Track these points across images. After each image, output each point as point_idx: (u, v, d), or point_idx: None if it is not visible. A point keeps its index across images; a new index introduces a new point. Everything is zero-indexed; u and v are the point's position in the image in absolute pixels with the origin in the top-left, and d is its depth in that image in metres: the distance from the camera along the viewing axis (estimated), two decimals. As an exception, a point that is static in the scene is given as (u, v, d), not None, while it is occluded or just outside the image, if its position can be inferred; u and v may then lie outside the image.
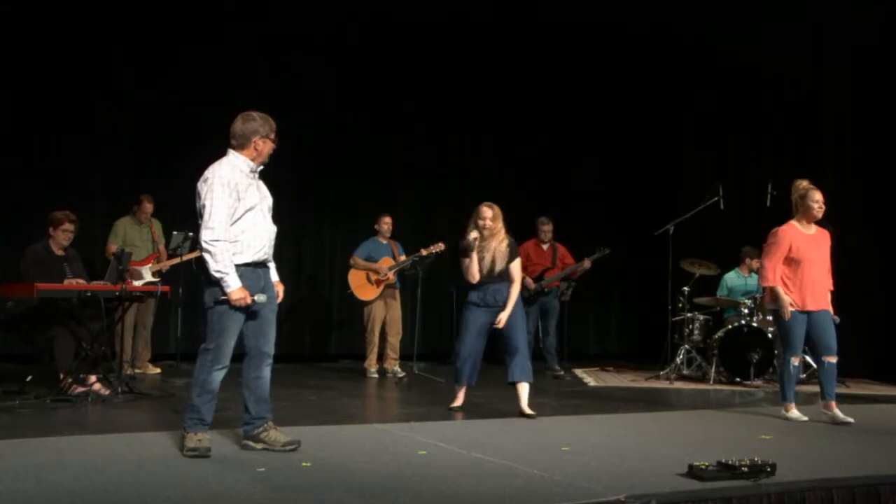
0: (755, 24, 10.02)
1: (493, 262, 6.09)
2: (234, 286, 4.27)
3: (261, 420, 4.48)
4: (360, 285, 8.48)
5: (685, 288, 9.01)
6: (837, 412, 5.89)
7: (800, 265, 5.94)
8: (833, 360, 5.96)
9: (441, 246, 8.27)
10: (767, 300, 6.17)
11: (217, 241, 4.27)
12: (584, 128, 11.28)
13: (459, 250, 6.21)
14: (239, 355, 4.51)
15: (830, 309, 6.07)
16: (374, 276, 8.43)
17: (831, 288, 6.15)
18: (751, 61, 10.32)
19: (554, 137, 11.14)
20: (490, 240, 6.12)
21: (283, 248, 9.94)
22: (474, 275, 6.09)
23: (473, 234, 6.09)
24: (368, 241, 8.65)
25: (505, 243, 6.14)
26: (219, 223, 4.28)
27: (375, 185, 10.18)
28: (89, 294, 6.25)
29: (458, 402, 6.29)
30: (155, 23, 8.96)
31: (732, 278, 9.21)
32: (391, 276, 8.45)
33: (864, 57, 9.48)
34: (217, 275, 4.27)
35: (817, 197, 6.03)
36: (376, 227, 8.66)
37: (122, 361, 7.72)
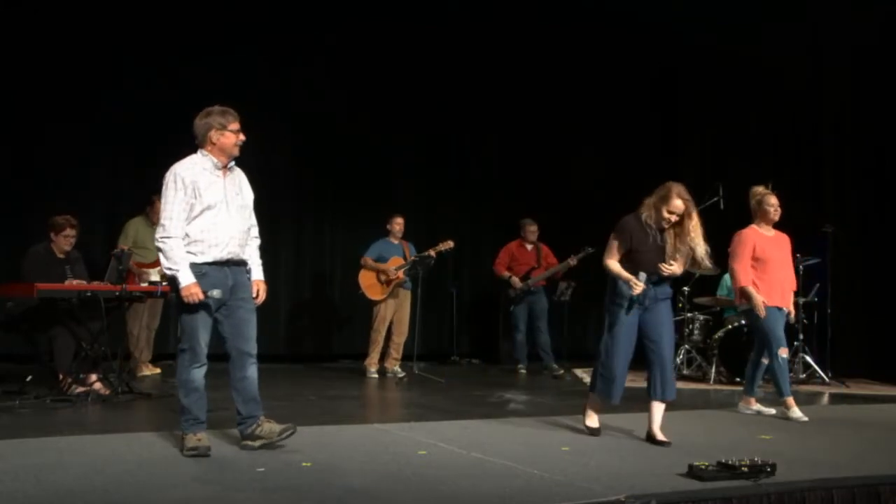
0: (755, 24, 10.01)
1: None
2: (185, 282, 4.25)
3: (252, 419, 4.47)
4: (371, 285, 8.48)
5: (685, 288, 9.02)
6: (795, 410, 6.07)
7: (764, 265, 6.14)
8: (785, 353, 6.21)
9: (450, 244, 8.30)
10: (739, 301, 6.33)
11: (167, 237, 4.28)
12: (585, 128, 11.28)
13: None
14: (223, 356, 4.50)
15: (791, 309, 6.31)
16: (384, 276, 8.43)
17: (794, 288, 6.42)
18: (751, 61, 10.32)
19: (554, 137, 11.14)
20: (688, 232, 4.98)
21: (284, 248, 9.99)
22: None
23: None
24: (380, 241, 8.64)
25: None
26: (169, 221, 4.29)
27: (376, 184, 10.19)
28: (89, 294, 6.25)
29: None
30: (156, 22, 8.95)
31: (732, 278, 9.21)
32: (401, 274, 8.44)
33: (864, 57, 9.48)
34: (168, 272, 4.30)
35: (773, 201, 6.25)
36: (388, 226, 8.66)
37: (131, 361, 7.73)
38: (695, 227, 4.96)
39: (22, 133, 8.54)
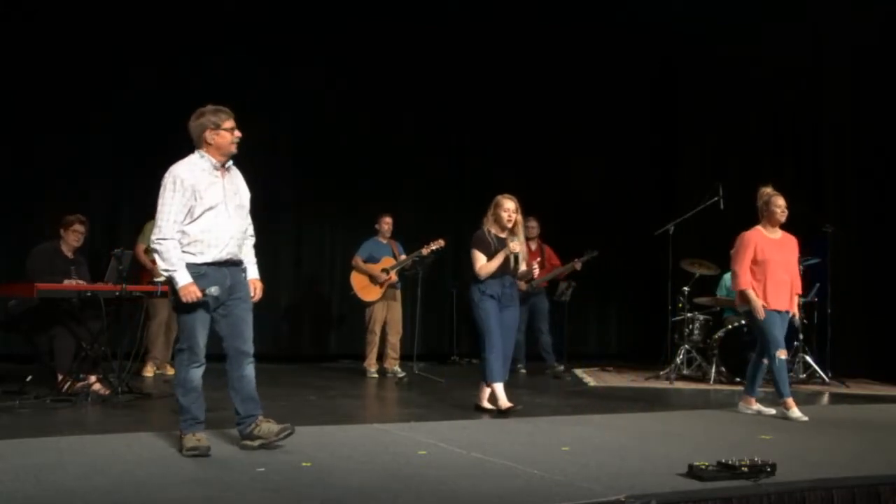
0: (755, 24, 10.02)
1: (518, 256, 6.10)
2: (182, 282, 4.26)
3: (251, 418, 4.47)
4: (363, 287, 8.48)
5: (685, 288, 9.02)
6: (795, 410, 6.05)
7: (765, 267, 6.12)
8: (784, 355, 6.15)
9: (441, 242, 8.28)
10: (739, 303, 6.34)
11: (163, 239, 4.28)
12: (585, 128, 11.29)
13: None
14: (223, 356, 4.50)
15: (795, 311, 6.27)
16: (378, 278, 8.42)
17: (799, 291, 6.37)
18: (751, 61, 10.32)
19: (554, 138, 11.14)
20: (518, 233, 6.11)
21: (283, 248, 9.99)
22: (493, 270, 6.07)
23: (515, 246, 6.06)
24: (369, 241, 8.65)
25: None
26: (166, 223, 4.28)
27: (375, 184, 10.19)
28: (89, 294, 6.25)
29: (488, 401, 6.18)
30: (156, 23, 8.96)
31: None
32: (393, 275, 8.44)
33: (864, 57, 9.48)
34: (165, 273, 4.30)
35: (780, 202, 6.22)
36: (377, 226, 8.67)
37: (142, 361, 7.70)
38: (519, 222, 6.06)
39: (22, 134, 8.54)
